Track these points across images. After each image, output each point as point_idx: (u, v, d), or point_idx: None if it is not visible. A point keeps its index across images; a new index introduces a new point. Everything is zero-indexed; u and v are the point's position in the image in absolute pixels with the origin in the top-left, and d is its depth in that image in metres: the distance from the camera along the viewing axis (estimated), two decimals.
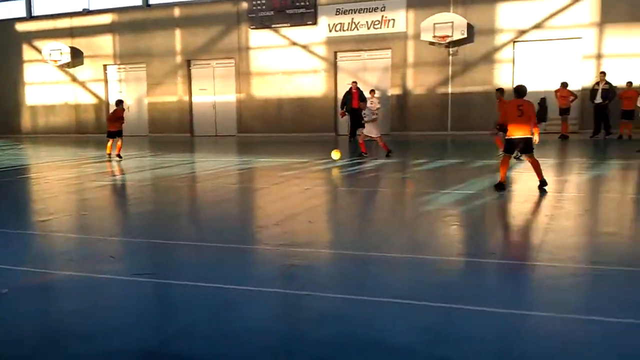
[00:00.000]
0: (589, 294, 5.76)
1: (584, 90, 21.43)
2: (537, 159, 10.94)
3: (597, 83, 20.45)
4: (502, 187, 10.91)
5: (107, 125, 18.79)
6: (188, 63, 27.90)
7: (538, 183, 10.82)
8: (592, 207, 10.04)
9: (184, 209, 11.19)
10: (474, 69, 23.13)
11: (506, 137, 11.11)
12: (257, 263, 7.17)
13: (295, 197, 11.19)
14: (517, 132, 10.79)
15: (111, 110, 19.63)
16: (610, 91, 20.07)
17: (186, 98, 28.06)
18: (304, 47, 25.60)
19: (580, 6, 21.57)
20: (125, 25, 28.63)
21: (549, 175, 13.00)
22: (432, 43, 23.05)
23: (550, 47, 22.22)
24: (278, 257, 7.22)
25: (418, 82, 23.99)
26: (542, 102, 21.10)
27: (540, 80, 21.83)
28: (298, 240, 7.98)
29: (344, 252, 7.38)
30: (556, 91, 20.74)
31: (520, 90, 11.08)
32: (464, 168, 14.47)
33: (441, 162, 15.65)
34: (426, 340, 4.74)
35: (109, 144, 18.34)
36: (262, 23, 26.03)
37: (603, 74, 20.38)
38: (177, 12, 27.76)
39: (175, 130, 27.81)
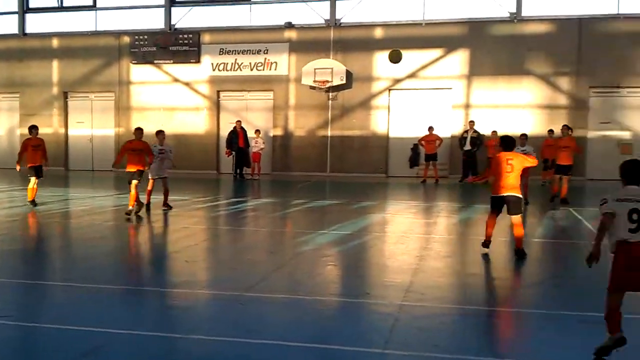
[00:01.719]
0: (455, 334, 6.10)
1: (453, 137, 22.67)
2: (409, 202, 11.38)
3: (466, 131, 21.77)
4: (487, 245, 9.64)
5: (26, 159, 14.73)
6: (65, 95, 26.97)
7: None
8: (459, 249, 10.62)
9: (54, 246, 10.74)
10: (352, 114, 23.94)
11: (492, 195, 9.46)
12: (131, 304, 7.02)
13: (172, 236, 11.06)
14: (505, 189, 9.22)
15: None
16: (478, 139, 21.42)
17: (62, 130, 27.03)
18: (187, 84, 25.48)
19: (451, 59, 22.96)
20: None
21: (419, 218, 13.64)
22: (312, 87, 23.66)
23: (423, 96, 23.45)
24: (154, 298, 7.11)
25: (299, 124, 24.47)
26: (415, 147, 22.19)
27: (414, 127, 22.94)
28: (175, 280, 7.90)
29: (220, 293, 7.39)
30: (421, 139, 21.78)
31: (510, 142, 9.64)
32: (342, 209, 14.86)
33: (320, 203, 15.98)
34: None
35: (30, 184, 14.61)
36: (145, 58, 25.70)
37: (472, 122, 21.77)
38: (55, 42, 26.87)
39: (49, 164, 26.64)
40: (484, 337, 5.92)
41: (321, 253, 9.83)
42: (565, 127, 16.39)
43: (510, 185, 9.16)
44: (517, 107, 22.33)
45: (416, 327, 6.11)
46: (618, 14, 21.91)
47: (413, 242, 10.54)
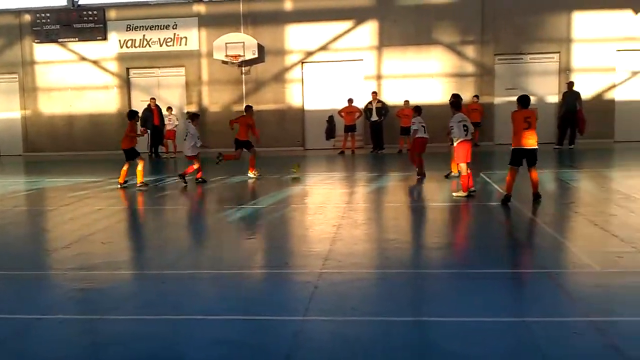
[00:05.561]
0: (372, 297, 6.34)
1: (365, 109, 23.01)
2: (327, 173, 11.56)
3: (370, 102, 22.17)
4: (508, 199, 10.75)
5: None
6: None
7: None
8: (374, 216, 10.92)
9: None
10: (266, 88, 23.91)
11: (514, 148, 10.75)
12: (45, 289, 6.90)
13: (87, 218, 10.85)
14: (526, 142, 10.57)
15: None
16: (383, 109, 21.91)
17: None
18: (94, 62, 24.74)
19: (361, 30, 23.21)
20: None
21: (337, 188, 13.91)
22: (225, 62, 23.47)
23: (335, 68, 23.67)
24: (68, 281, 7.02)
25: (214, 100, 24.23)
26: (330, 119, 22.42)
27: (328, 100, 23.18)
28: (90, 262, 7.80)
29: (140, 272, 7.38)
30: (341, 110, 22.01)
31: (525, 101, 10.86)
32: (260, 183, 14.89)
33: (238, 178, 15.91)
34: (224, 353, 4.96)
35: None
36: (48, 37, 24.73)
37: (375, 93, 22.29)
38: None
39: None
40: (401, 299, 6.17)
41: (241, 227, 9.92)
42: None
43: (532, 138, 10.56)
44: (427, 76, 22.88)
45: (335, 293, 6.31)
46: None
47: (331, 212, 10.74)
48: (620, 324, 5.31)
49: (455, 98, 12.85)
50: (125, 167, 14.17)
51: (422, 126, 13.95)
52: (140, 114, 20.78)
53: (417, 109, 14.45)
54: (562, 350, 4.81)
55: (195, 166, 14.32)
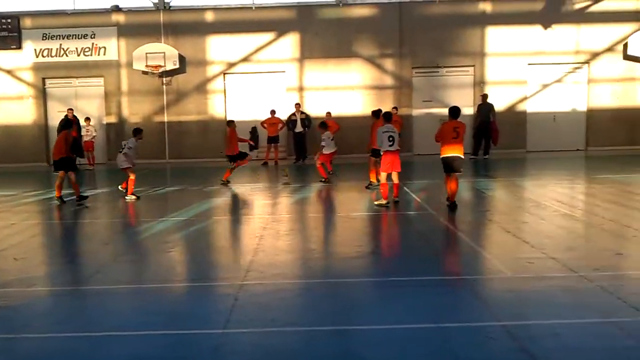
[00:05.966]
0: (293, 308, 6.38)
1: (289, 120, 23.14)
2: (250, 184, 11.56)
3: (294, 114, 22.37)
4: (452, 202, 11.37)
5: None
6: None
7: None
8: (297, 226, 10.99)
9: None
10: (188, 99, 23.69)
11: (441, 157, 11.37)
12: None
13: None
14: (451, 151, 11.19)
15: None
16: (307, 119, 22.18)
17: None
18: (8, 72, 23.86)
19: (283, 43, 23.35)
20: None
21: (260, 199, 13.93)
22: (145, 72, 23.11)
23: (257, 79, 23.70)
24: None
25: (134, 111, 23.79)
26: (254, 131, 22.41)
27: (251, 111, 23.17)
28: (2, 279, 7.54)
29: (55, 288, 7.18)
30: (263, 122, 22.08)
31: (455, 112, 11.49)
32: (182, 195, 14.75)
33: (160, 190, 15.73)
34: None
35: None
36: None
37: (298, 105, 22.47)
38: None
39: None
40: (322, 308, 6.24)
41: (162, 240, 9.78)
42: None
43: (458, 147, 11.16)
44: (348, 88, 23.23)
45: (256, 305, 6.33)
46: None
47: (254, 223, 10.77)
48: (530, 327, 5.55)
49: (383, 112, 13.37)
50: (58, 180, 13.54)
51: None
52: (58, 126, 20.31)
53: (323, 125, 15.70)
54: (477, 355, 4.99)
55: (132, 176, 13.90)
